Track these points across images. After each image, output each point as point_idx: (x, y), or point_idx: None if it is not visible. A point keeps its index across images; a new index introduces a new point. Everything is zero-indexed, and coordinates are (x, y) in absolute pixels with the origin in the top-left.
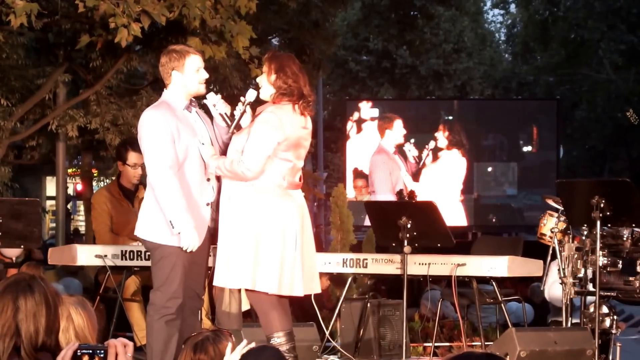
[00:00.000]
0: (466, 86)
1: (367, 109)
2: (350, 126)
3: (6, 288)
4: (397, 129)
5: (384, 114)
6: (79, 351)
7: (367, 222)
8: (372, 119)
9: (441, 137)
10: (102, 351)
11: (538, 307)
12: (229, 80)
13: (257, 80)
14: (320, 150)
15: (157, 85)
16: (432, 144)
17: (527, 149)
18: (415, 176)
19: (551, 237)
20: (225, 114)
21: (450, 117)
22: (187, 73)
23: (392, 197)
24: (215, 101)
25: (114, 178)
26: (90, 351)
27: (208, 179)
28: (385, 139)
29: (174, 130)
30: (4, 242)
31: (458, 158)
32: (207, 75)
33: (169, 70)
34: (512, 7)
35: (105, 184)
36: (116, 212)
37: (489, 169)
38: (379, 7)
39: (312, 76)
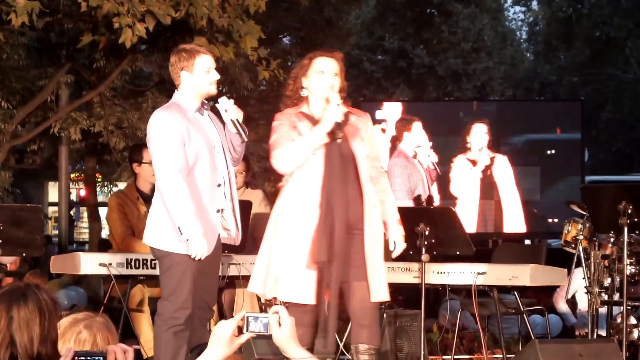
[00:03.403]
0: (486, 87)
1: (387, 111)
2: None
3: (0, 298)
4: (416, 132)
5: (402, 115)
6: (76, 358)
7: None
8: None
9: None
10: (101, 357)
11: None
12: (238, 81)
13: (336, 80)
14: None
15: (163, 87)
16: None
17: (550, 152)
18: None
19: (576, 245)
20: (237, 120)
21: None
22: (196, 73)
23: (410, 203)
24: (227, 106)
25: (117, 183)
26: (89, 358)
27: (219, 185)
28: (403, 142)
29: (184, 132)
30: (5, 249)
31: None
32: (218, 76)
33: (178, 71)
34: (534, 4)
35: (109, 189)
36: (132, 216)
37: None
38: (395, 5)
39: None
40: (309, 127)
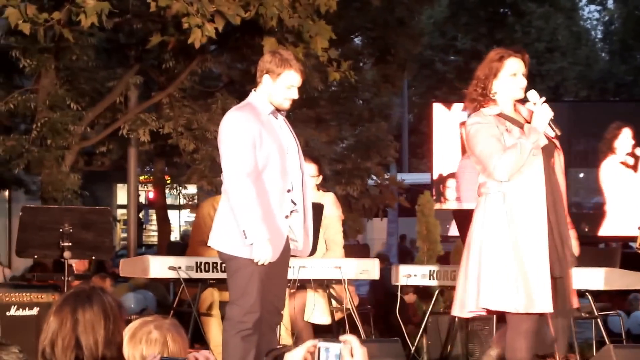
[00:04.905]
0: (560, 87)
1: (457, 112)
2: (438, 130)
3: (65, 300)
4: None
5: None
6: None
7: (453, 232)
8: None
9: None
10: None
11: None
12: (308, 82)
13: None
14: (405, 156)
15: (233, 88)
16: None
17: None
18: None
19: None
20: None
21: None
22: (278, 84)
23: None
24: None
25: (187, 185)
26: None
27: (288, 190)
28: None
29: (256, 135)
30: (74, 252)
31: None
32: (296, 96)
33: (264, 70)
34: (610, 3)
35: (179, 191)
36: None
37: (580, 175)
38: (468, 4)
39: (396, 77)
40: (521, 130)
